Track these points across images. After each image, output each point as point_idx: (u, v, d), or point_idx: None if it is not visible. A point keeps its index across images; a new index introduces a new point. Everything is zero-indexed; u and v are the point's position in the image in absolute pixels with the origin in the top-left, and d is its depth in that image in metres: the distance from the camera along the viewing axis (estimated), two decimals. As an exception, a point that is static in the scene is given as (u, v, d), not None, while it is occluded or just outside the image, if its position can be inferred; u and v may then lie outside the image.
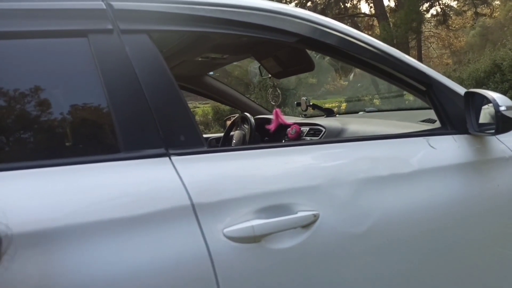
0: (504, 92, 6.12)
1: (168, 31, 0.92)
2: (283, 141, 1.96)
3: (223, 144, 2.23)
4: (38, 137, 0.77)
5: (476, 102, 1.12)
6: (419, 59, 17.51)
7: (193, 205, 0.75)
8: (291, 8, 1.07)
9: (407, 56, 1.17)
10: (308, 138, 1.80)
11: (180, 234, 0.74)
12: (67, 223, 0.67)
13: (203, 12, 0.93)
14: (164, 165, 0.79)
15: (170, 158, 0.80)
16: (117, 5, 0.85)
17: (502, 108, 1.02)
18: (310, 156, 0.96)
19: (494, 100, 1.03)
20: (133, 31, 0.86)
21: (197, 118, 14.86)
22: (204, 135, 2.53)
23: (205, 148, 0.85)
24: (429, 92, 1.18)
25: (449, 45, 19.44)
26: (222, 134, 2.35)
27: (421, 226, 1.00)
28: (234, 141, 2.06)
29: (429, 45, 19.63)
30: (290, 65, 1.56)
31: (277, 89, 1.83)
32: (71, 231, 0.67)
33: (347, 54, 1.10)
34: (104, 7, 0.84)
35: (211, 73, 2.16)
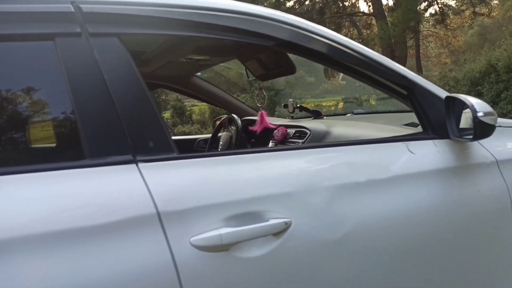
0: (499, 93, 6.11)
1: (140, 35, 0.90)
2: (270, 142, 1.94)
3: (211, 145, 2.22)
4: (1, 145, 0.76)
5: (456, 107, 1.11)
6: (417, 58, 17.50)
7: (158, 214, 0.74)
8: (269, 11, 1.05)
9: (388, 60, 1.16)
10: (294, 140, 1.78)
11: (144, 243, 0.72)
12: (26, 233, 0.65)
13: (176, 15, 0.91)
14: (130, 172, 0.77)
15: (137, 165, 0.78)
16: (86, 8, 0.83)
17: (479, 114, 1.01)
18: (285, 163, 0.94)
19: (472, 105, 1.02)
20: (102, 34, 0.84)
21: (194, 116, 14.83)
22: (193, 136, 2.51)
23: (175, 155, 0.83)
24: (411, 96, 1.16)
25: (447, 44, 19.43)
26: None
27: (399, 233, 0.99)
28: (221, 142, 2.05)
29: (428, 44, 19.61)
30: (272, 68, 1.55)
31: (263, 91, 1.81)
32: (29, 242, 0.65)
33: (328, 58, 1.09)
34: (73, 10, 0.82)
35: (199, 74, 2.15)
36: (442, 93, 1.17)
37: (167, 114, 15.52)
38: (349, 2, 17.88)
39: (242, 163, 0.89)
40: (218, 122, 2.34)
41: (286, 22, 1.03)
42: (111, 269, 0.69)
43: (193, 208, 0.78)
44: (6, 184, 0.68)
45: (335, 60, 1.09)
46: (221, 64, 1.85)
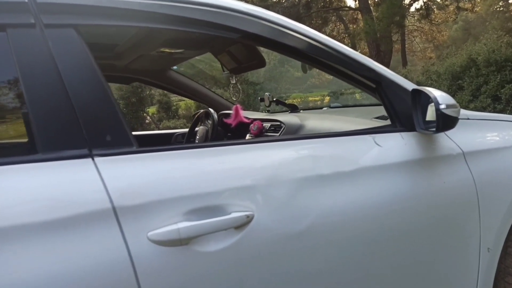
0: (479, 87, 6.20)
1: (99, 26, 0.88)
2: (247, 136, 1.94)
3: (188, 140, 2.20)
4: None
5: (422, 100, 1.12)
6: (403, 52, 17.66)
7: (114, 208, 0.73)
8: (234, 3, 1.03)
9: (356, 53, 1.16)
10: (269, 134, 1.78)
11: (98, 238, 0.71)
12: None
13: (136, 6, 0.89)
14: (86, 166, 0.75)
15: (93, 159, 0.76)
16: (40, -2, 0.81)
17: (442, 107, 1.01)
18: (247, 155, 0.94)
19: (435, 98, 1.03)
20: (57, 25, 0.81)
21: (180, 111, 14.72)
22: (171, 131, 2.49)
23: (134, 148, 0.82)
24: (379, 89, 1.17)
25: (432, 39, 19.64)
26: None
27: (364, 225, 0.99)
28: (197, 136, 2.03)
29: (413, 39, 19.80)
30: (243, 61, 1.53)
31: (238, 84, 1.80)
32: None
33: (296, 51, 1.08)
34: (26, 0, 0.79)
35: (175, 67, 2.12)
36: (409, 86, 1.18)
37: (152, 109, 15.37)
38: (335, -3, 17.89)
39: (204, 156, 0.89)
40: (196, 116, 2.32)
41: (252, 14, 1.02)
42: (64, 266, 0.68)
43: (151, 202, 0.77)
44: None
45: (303, 53, 1.08)
46: (196, 57, 1.83)
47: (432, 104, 1.08)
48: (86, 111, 0.79)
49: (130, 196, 0.75)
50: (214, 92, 2.38)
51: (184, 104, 14.82)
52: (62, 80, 0.78)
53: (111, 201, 0.73)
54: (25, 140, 0.77)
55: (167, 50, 1.55)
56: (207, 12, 0.97)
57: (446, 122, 1.03)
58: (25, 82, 0.75)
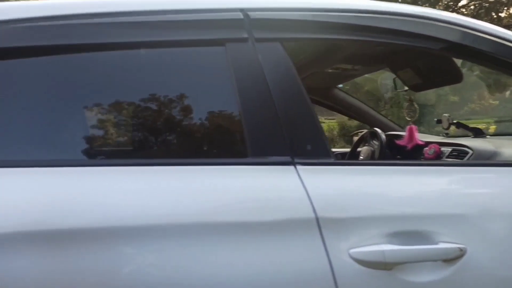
0: None
1: (302, 39, 0.90)
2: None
3: (349, 160, 2.13)
4: (176, 138, 0.83)
5: None
6: None
7: (317, 219, 0.70)
8: (434, 12, 0.94)
9: None
10: (451, 159, 1.57)
11: (302, 247, 0.69)
12: (194, 220, 0.69)
13: (339, 19, 0.89)
14: (289, 173, 0.76)
15: (295, 167, 0.76)
16: (253, 14, 0.87)
17: None
18: (452, 179, 0.82)
19: None
20: (266, 39, 0.86)
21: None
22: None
23: (332, 160, 0.80)
24: None
25: None
26: (348, 150, 2.25)
27: None
28: (361, 157, 1.94)
29: None
30: (432, 76, 1.39)
31: (414, 103, 1.66)
32: (195, 229, 0.68)
33: (507, 63, 0.92)
34: (242, 17, 0.86)
35: (340, 85, 2.09)
36: None
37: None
38: (506, 13, 15.60)
39: (401, 175, 0.80)
40: (355, 138, 2.24)
41: (455, 23, 0.91)
42: (266, 268, 0.68)
43: (352, 218, 0.72)
44: (188, 173, 0.73)
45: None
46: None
47: None
48: (289, 120, 0.80)
49: (332, 208, 0.72)
50: (376, 110, 2.27)
51: (326, 126, 14.83)
52: (270, 91, 0.81)
53: (314, 211, 0.71)
54: (238, 144, 0.82)
55: (343, 66, 1.53)
56: (407, 22, 0.90)
57: None
58: (240, 92, 0.81)
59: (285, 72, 0.85)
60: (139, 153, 0.81)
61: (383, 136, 1.80)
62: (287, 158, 0.77)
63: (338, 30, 0.89)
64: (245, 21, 0.86)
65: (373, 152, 1.84)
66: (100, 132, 0.81)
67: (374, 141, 1.89)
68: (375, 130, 1.87)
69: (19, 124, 0.75)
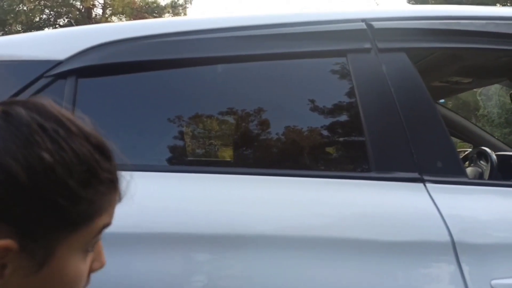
0: None
1: (430, 49, 0.86)
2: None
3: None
4: (296, 149, 0.83)
5: None
6: None
7: (453, 243, 0.65)
8: None
9: None
10: None
11: (434, 272, 0.65)
12: (314, 234, 0.67)
13: (472, 27, 0.83)
14: (417, 191, 0.71)
15: (424, 185, 0.71)
16: (377, 24, 0.84)
17: None
18: None
19: None
20: (390, 49, 0.83)
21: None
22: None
23: (467, 179, 0.73)
24: None
25: None
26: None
27: None
28: (466, 178, 1.78)
29: None
30: None
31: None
32: (315, 243, 0.67)
33: None
34: (365, 27, 0.84)
35: (442, 100, 1.95)
36: None
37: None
38: None
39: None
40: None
41: None
42: None
43: (494, 245, 0.65)
44: (307, 185, 0.72)
45: None
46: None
47: None
48: (417, 134, 0.76)
49: (470, 233, 0.66)
50: (482, 128, 2.07)
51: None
52: (395, 103, 0.78)
53: (450, 234, 0.65)
54: (360, 157, 0.80)
55: (454, 79, 1.43)
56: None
57: None
58: (362, 103, 0.78)
59: (411, 83, 0.81)
60: (260, 163, 0.83)
61: (493, 156, 1.63)
62: (415, 175, 0.73)
63: (471, 38, 0.83)
64: (368, 31, 0.84)
65: (481, 174, 1.68)
66: (232, 142, 0.84)
67: (482, 162, 1.73)
68: (484, 149, 1.70)
69: (161, 132, 0.81)
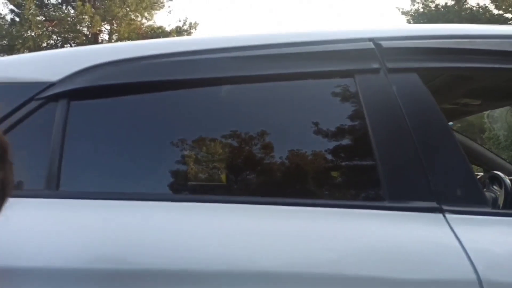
0: None
1: (443, 69, 0.81)
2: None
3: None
4: (301, 177, 0.77)
5: None
6: None
7: (480, 282, 0.58)
8: None
9: None
10: None
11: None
12: (322, 271, 0.61)
13: (486, 46, 0.78)
14: (437, 222, 0.65)
15: (444, 215, 0.65)
16: (386, 44, 0.80)
17: None
18: None
19: None
20: (400, 69, 0.78)
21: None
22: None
23: (489, 209, 0.67)
24: None
25: None
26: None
27: None
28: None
29: None
30: None
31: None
32: (323, 281, 0.60)
33: None
34: (373, 46, 0.80)
35: (450, 123, 1.90)
36: None
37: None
38: None
39: None
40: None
41: None
42: None
43: (525, 284, 0.58)
44: (314, 215, 0.66)
45: None
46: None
47: None
48: (433, 160, 0.70)
49: (497, 270, 0.59)
50: (492, 152, 2.00)
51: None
52: (408, 126, 0.72)
53: (475, 271, 0.58)
54: (372, 185, 0.73)
55: (462, 101, 1.38)
56: None
57: None
58: (372, 126, 0.73)
59: (424, 105, 0.76)
60: (262, 191, 0.76)
61: (507, 180, 1.56)
62: (433, 204, 0.67)
63: (486, 57, 0.79)
64: (376, 50, 0.80)
65: (494, 200, 1.60)
66: (232, 167, 0.79)
67: (495, 187, 1.65)
68: (497, 174, 1.63)
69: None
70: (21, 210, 0.67)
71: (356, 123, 0.77)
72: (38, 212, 0.66)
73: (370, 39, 0.81)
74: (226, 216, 0.64)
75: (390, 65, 0.78)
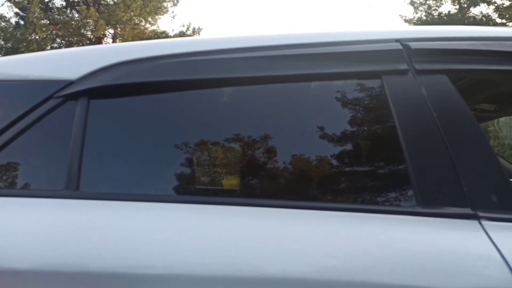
0: None
1: (473, 72, 0.79)
2: None
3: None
4: (328, 180, 0.75)
5: None
6: None
7: (522, 292, 0.55)
8: None
9: None
10: None
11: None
12: (344, 279, 0.58)
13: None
14: (472, 229, 0.62)
15: (480, 222, 0.62)
16: (414, 45, 0.78)
17: None
18: None
19: None
20: (429, 71, 0.76)
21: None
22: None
23: (527, 216, 0.64)
24: None
25: None
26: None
27: None
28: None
29: None
30: None
31: None
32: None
33: None
34: (401, 47, 0.78)
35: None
36: None
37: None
38: None
39: None
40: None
41: None
42: None
43: None
44: (341, 219, 0.64)
45: None
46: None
47: None
48: (466, 164, 0.67)
49: (540, 281, 0.56)
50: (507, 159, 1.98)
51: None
52: (439, 128, 0.70)
53: (517, 281, 0.56)
54: (403, 189, 0.71)
55: (481, 106, 1.35)
56: None
57: None
58: (402, 129, 0.71)
59: (455, 108, 0.73)
60: (288, 195, 0.74)
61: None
62: (467, 210, 0.64)
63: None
64: (404, 51, 0.78)
65: None
66: (258, 169, 0.76)
67: None
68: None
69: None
70: (41, 210, 0.65)
71: (385, 125, 0.74)
72: (58, 213, 0.64)
73: (397, 40, 0.79)
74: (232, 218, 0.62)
75: (418, 66, 0.76)
